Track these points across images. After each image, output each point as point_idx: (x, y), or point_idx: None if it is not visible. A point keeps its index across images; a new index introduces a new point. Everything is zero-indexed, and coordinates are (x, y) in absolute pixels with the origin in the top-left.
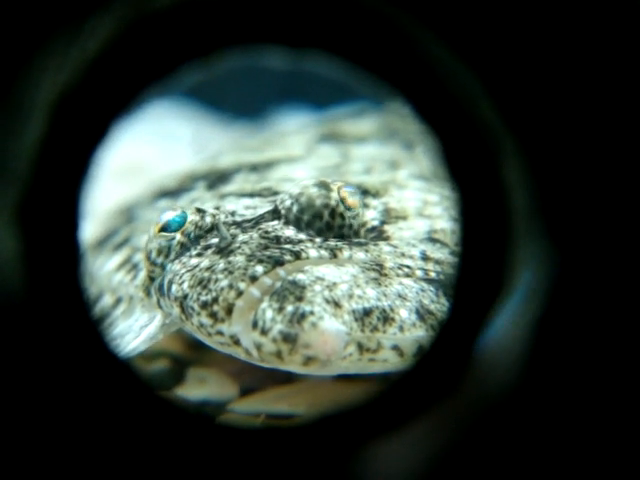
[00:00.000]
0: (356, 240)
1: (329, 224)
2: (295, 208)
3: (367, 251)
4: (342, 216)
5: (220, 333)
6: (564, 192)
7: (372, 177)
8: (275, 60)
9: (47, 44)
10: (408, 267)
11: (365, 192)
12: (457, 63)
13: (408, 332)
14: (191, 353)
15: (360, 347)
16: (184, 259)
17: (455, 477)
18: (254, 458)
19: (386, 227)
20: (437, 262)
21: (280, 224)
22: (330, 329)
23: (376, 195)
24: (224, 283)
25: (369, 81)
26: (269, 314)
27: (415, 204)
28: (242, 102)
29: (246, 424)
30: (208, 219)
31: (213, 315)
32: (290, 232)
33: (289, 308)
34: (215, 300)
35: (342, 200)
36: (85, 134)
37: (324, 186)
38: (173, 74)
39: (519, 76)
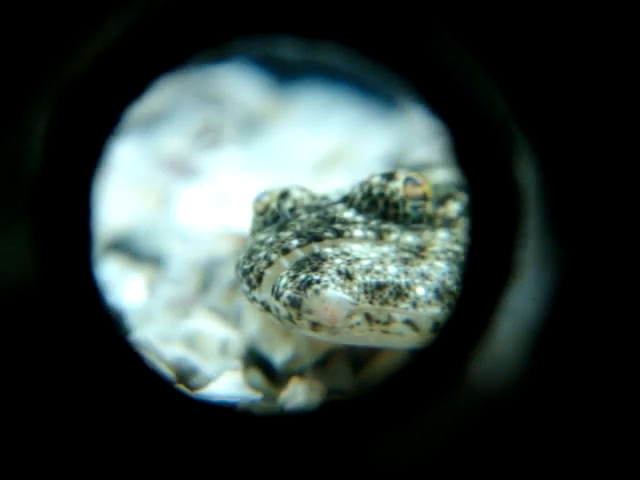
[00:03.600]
0: (415, 225)
1: (384, 212)
2: (358, 195)
3: (419, 236)
4: (396, 205)
5: (255, 299)
6: (574, 195)
7: None
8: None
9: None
10: (455, 252)
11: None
12: (473, 62)
13: (422, 308)
14: None
15: (369, 318)
16: (257, 234)
17: (456, 470)
18: (274, 444)
19: (462, 218)
20: None
21: (344, 207)
22: (331, 297)
23: None
24: (262, 254)
25: (385, 75)
26: (284, 281)
27: None
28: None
29: (265, 411)
30: (274, 203)
31: (249, 282)
32: (349, 214)
33: (302, 276)
34: (251, 269)
35: (405, 191)
36: (96, 123)
37: (387, 176)
38: (185, 63)
39: (534, 77)
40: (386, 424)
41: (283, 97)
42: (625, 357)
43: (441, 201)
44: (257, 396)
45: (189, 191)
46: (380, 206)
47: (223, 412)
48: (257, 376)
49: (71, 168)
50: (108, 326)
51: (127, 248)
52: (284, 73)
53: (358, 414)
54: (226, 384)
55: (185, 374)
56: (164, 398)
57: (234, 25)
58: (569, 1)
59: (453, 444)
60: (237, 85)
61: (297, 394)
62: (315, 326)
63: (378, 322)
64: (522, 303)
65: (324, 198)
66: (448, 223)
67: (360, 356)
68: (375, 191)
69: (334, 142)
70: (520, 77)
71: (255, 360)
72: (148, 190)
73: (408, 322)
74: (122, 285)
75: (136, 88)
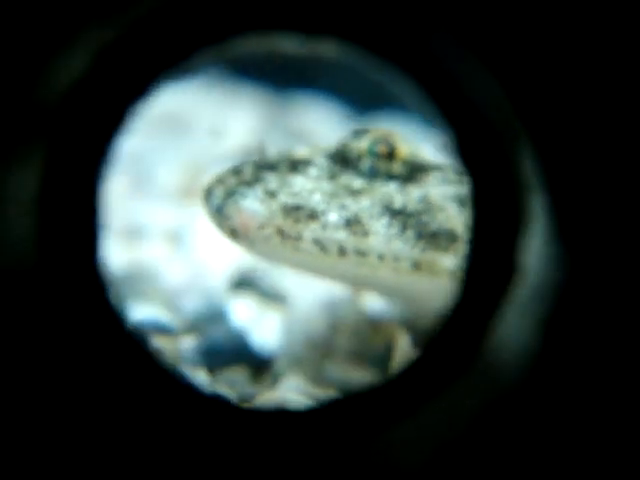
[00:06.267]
0: (377, 177)
1: (343, 162)
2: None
3: (370, 182)
4: (347, 160)
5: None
6: (576, 193)
7: None
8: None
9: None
10: (391, 199)
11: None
12: (474, 61)
13: (328, 231)
14: None
15: (281, 233)
16: None
17: (460, 464)
18: (276, 441)
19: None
20: (430, 204)
21: (320, 155)
22: (244, 207)
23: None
24: (221, 176)
25: (386, 72)
26: (218, 192)
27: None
28: None
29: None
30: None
31: (203, 197)
32: (319, 159)
33: (231, 190)
34: (211, 186)
35: (373, 148)
36: (100, 121)
37: (356, 132)
38: (188, 60)
39: (537, 75)
40: (402, 412)
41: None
42: (629, 353)
43: (418, 169)
44: None
45: None
46: (339, 160)
47: (223, 404)
48: None
49: (76, 165)
50: (110, 314)
51: (255, 285)
52: (362, 105)
53: (372, 404)
54: None
55: None
56: (165, 387)
57: (235, 23)
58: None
59: (468, 431)
60: (319, 118)
61: None
62: (233, 233)
63: (290, 237)
64: (528, 299)
65: None
66: (409, 179)
67: None
68: (338, 147)
69: None
70: (522, 76)
71: None
72: None
73: (317, 242)
74: (258, 324)
75: (138, 87)
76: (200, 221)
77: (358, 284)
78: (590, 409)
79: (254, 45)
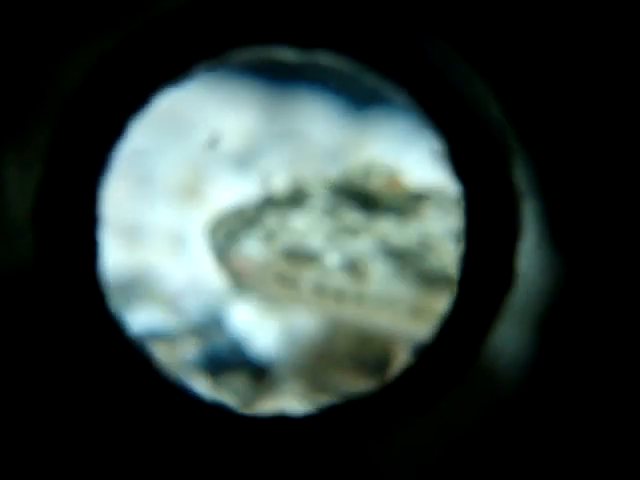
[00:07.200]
0: (378, 213)
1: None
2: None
3: (368, 220)
4: (375, 200)
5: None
6: (570, 200)
7: None
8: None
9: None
10: (389, 237)
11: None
12: (467, 68)
13: (329, 276)
14: None
15: (282, 279)
16: None
17: (457, 471)
18: (273, 448)
19: (431, 226)
20: (429, 241)
21: (324, 190)
22: (244, 251)
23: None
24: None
25: (382, 82)
26: (219, 234)
27: None
28: None
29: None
30: None
31: (209, 235)
32: (321, 194)
33: (233, 232)
34: (213, 224)
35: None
36: (99, 129)
37: (367, 173)
38: (187, 72)
39: (530, 82)
40: (398, 419)
41: (361, 126)
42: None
43: (416, 198)
44: None
45: None
46: (350, 192)
47: (223, 411)
48: None
49: (75, 173)
50: (109, 320)
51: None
52: (358, 104)
53: (366, 412)
54: None
55: None
56: (165, 394)
57: (232, 35)
58: (563, 5)
59: (465, 438)
60: (316, 118)
61: None
62: (235, 276)
63: (288, 282)
64: (523, 305)
65: None
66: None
67: None
68: (342, 178)
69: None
70: (516, 83)
71: None
72: None
73: (315, 287)
74: (258, 329)
75: (140, 97)
76: (201, 223)
77: (357, 328)
78: (587, 415)
79: (251, 56)
